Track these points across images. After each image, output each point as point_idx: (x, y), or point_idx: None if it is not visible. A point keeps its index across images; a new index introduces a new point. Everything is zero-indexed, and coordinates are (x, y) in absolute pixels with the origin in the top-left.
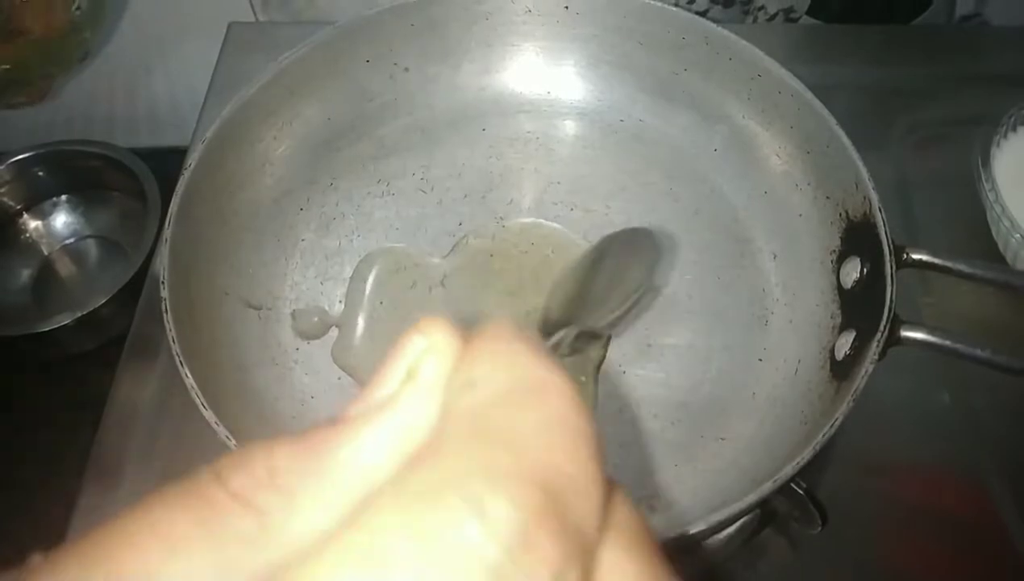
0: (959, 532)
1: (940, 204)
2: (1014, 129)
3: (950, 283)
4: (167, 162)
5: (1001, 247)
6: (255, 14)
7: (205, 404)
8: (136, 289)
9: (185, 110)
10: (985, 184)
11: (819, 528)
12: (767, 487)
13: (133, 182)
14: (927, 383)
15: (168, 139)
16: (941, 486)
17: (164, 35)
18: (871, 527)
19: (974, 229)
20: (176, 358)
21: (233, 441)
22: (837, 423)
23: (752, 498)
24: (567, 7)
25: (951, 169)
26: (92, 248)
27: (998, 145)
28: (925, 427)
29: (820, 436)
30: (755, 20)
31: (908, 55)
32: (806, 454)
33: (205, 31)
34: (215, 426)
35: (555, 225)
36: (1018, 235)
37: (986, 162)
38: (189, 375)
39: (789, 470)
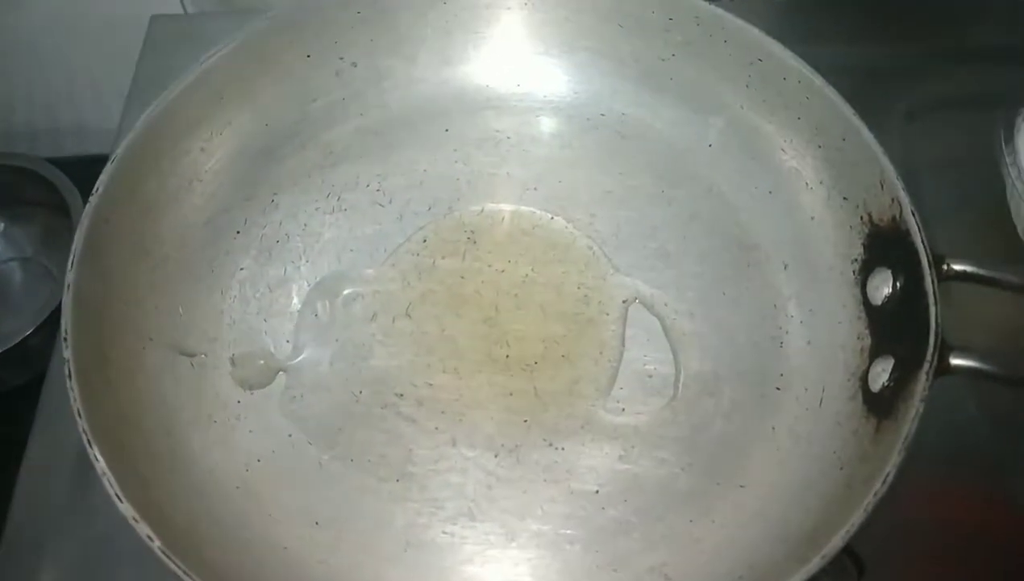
0: (1010, 564)
1: (949, 192)
2: None
3: (967, 288)
4: (94, 172)
5: (1021, 230)
6: (183, 5)
7: (120, 496)
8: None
9: (112, 114)
10: (1007, 160)
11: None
12: (815, 563)
13: (54, 196)
14: (959, 398)
15: (95, 147)
16: (984, 515)
17: (85, 30)
18: (912, 570)
19: (989, 218)
20: (84, 437)
21: (157, 542)
22: (889, 479)
23: (799, 578)
24: None
25: (955, 154)
26: (15, 272)
27: (1019, 126)
28: (960, 448)
29: (871, 495)
30: None
31: (896, 31)
32: (856, 519)
33: (130, 25)
34: (134, 523)
35: (535, 238)
36: None
37: (1009, 139)
38: (100, 459)
39: (838, 541)
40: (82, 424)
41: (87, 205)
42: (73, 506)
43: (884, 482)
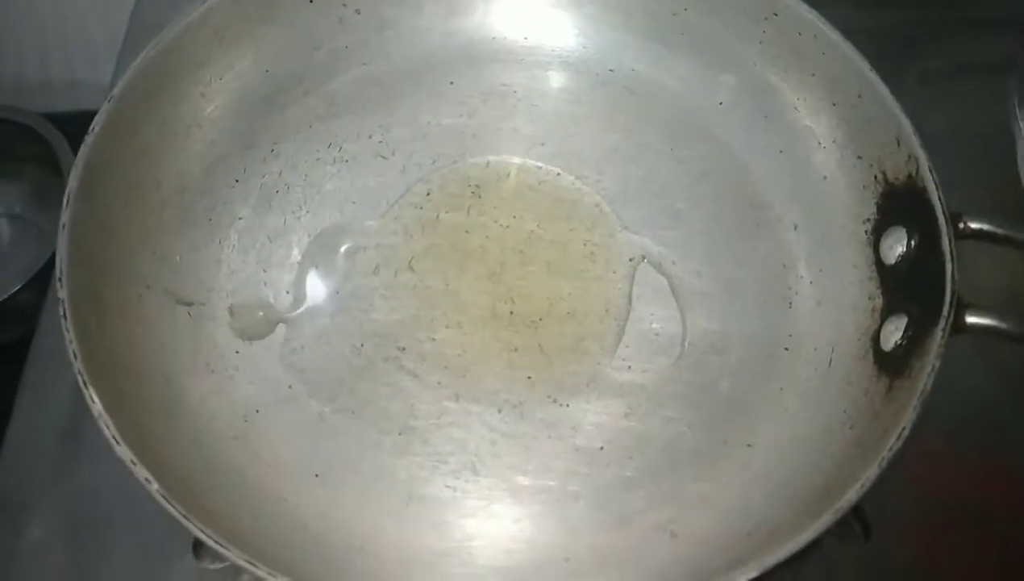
0: (1016, 533)
1: (961, 156)
2: None
3: (973, 248)
4: (85, 127)
5: None
6: None
7: (117, 438)
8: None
9: (106, 69)
10: (1021, 124)
11: (862, 542)
12: (827, 518)
13: (46, 151)
14: (967, 363)
15: (87, 102)
16: (991, 483)
17: None
18: (916, 536)
19: (1001, 181)
20: (79, 378)
21: (155, 485)
22: (905, 434)
23: (810, 534)
24: None
25: (967, 118)
26: (3, 228)
27: None
28: (966, 410)
29: (887, 451)
30: None
31: None
32: (870, 474)
33: None
34: (132, 466)
35: (541, 193)
36: None
37: (1023, 103)
38: (96, 401)
39: (852, 495)
40: (77, 366)
41: (83, 143)
42: (62, 465)
43: (899, 437)
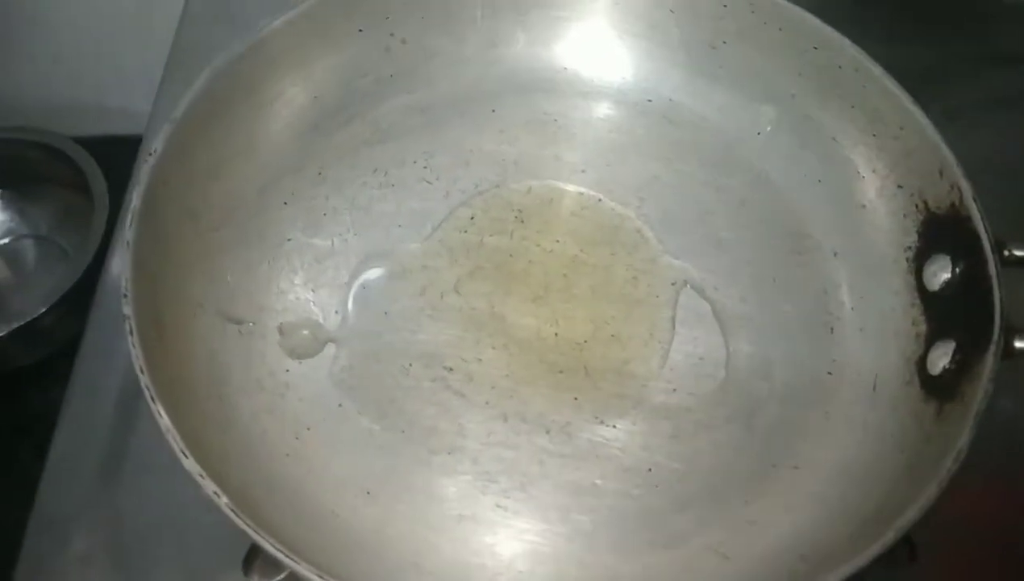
0: None
1: (991, 189)
2: None
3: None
4: (113, 152)
5: None
6: None
7: (186, 452)
8: (80, 296)
9: (136, 95)
10: None
11: (908, 567)
12: (887, 538)
13: (75, 174)
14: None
15: (116, 127)
16: None
17: (112, 8)
18: (963, 557)
19: None
20: (146, 393)
21: (224, 498)
22: (962, 455)
23: (866, 557)
24: None
25: (994, 152)
26: (29, 249)
27: None
28: (1014, 438)
29: (944, 471)
30: None
31: (918, 31)
32: (929, 493)
33: (159, 5)
34: (200, 479)
35: (583, 219)
36: None
37: None
38: (164, 415)
39: (911, 514)
40: (144, 380)
41: (143, 163)
42: (107, 480)
43: (956, 459)
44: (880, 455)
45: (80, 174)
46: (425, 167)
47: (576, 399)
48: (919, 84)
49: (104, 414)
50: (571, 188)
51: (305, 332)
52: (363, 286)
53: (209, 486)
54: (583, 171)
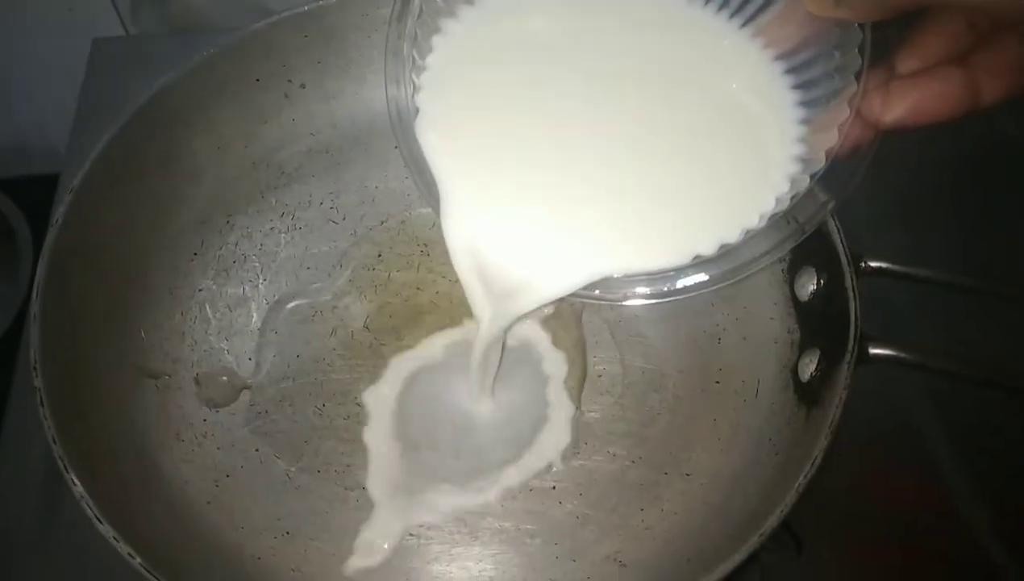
0: (929, 536)
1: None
2: None
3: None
4: (36, 193)
5: None
6: (124, 27)
7: (100, 517)
8: (7, 348)
9: (53, 134)
10: None
11: (794, 556)
12: (754, 541)
13: None
14: (900, 382)
15: (36, 167)
16: (916, 495)
17: (25, 52)
18: (844, 545)
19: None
20: (60, 464)
21: (138, 559)
22: (817, 462)
23: (741, 556)
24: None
25: None
26: None
27: None
28: (897, 432)
29: (801, 478)
30: None
31: None
32: (789, 499)
33: (70, 47)
34: (114, 543)
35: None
36: None
37: None
38: (78, 484)
39: (774, 520)
40: (57, 451)
41: (48, 235)
42: (46, 521)
43: (813, 465)
44: (759, 458)
45: (2, 218)
46: (332, 207)
47: None
48: None
49: (34, 470)
50: None
51: (223, 379)
52: (275, 331)
53: (124, 549)
54: None
